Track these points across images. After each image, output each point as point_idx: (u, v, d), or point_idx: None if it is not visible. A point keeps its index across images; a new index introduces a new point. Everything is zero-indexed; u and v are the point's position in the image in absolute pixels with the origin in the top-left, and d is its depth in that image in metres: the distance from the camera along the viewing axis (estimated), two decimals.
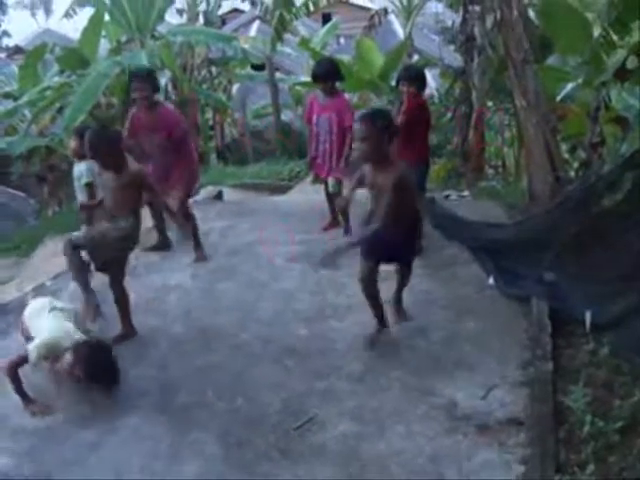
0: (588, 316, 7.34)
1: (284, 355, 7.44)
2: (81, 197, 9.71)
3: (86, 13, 21.00)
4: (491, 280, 8.67)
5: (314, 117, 10.52)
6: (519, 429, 6.05)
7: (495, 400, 6.49)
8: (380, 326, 7.67)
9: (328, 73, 10.33)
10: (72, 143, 9.70)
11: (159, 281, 9.45)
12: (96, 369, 6.56)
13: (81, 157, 9.50)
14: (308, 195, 13.23)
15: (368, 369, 7.07)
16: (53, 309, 7.10)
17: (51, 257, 11.08)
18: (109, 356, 6.75)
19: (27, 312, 7.31)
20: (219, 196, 13.82)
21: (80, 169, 9.67)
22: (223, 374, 7.15)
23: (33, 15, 79.04)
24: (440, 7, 20.29)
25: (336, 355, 7.38)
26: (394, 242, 7.26)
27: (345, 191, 8.33)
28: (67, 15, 23.32)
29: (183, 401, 6.78)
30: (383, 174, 7.10)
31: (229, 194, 14.07)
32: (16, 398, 6.70)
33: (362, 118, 7.32)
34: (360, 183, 7.46)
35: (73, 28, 28.18)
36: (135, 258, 9.93)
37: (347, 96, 11.15)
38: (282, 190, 12.06)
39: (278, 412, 6.48)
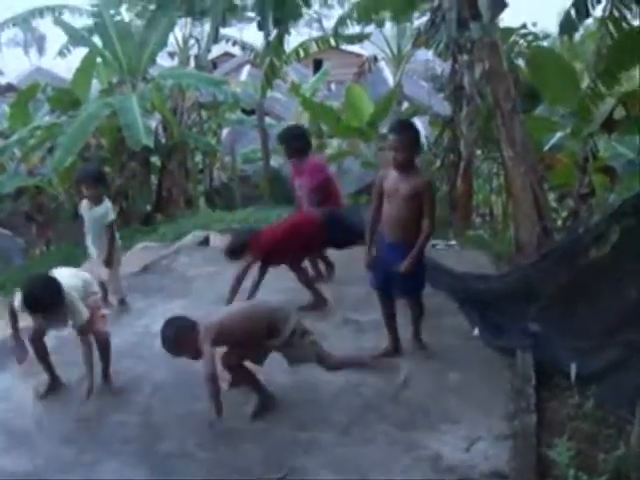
0: (573, 368, 7.33)
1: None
2: (96, 238, 9.93)
3: (79, 52, 21.11)
4: (476, 331, 8.67)
5: (295, 181, 10.96)
6: None
7: (479, 453, 6.45)
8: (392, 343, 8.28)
9: (289, 142, 10.70)
10: (90, 190, 9.77)
11: (144, 327, 9.41)
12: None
13: (98, 200, 9.79)
14: None
15: (352, 421, 7.03)
16: None
17: None
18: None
19: None
20: (206, 241, 13.79)
21: (106, 207, 9.88)
22: (205, 422, 7.10)
23: (26, 53, 79.30)
24: (430, 55, 20.37)
25: (320, 406, 7.34)
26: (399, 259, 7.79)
27: None
28: (60, 54, 23.42)
29: (165, 449, 6.73)
30: (410, 181, 7.67)
31: (216, 239, 14.01)
32: None
33: (401, 128, 7.86)
34: (380, 193, 7.92)
35: (66, 67, 28.30)
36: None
37: (316, 158, 11.30)
38: None
39: (260, 463, 6.44)
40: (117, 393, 7.85)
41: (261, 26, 17.97)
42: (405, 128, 7.90)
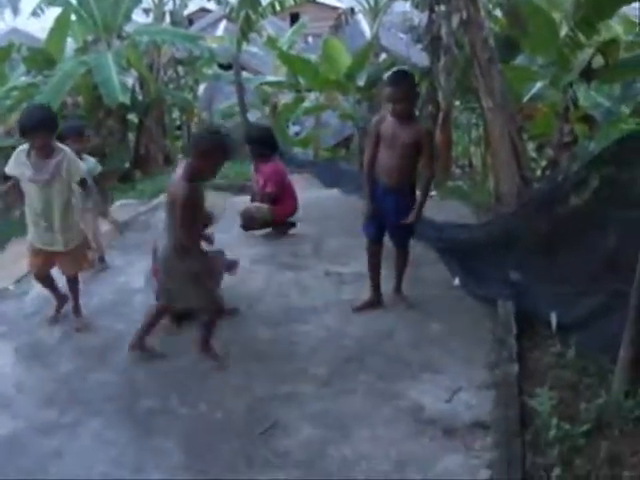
0: (554, 317, 7.32)
1: (248, 359, 7.36)
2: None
3: (53, 12, 20.89)
4: (457, 281, 8.67)
5: (254, 176, 11.54)
6: (485, 432, 6.01)
7: (461, 403, 6.45)
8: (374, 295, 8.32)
9: (256, 145, 11.00)
10: (73, 144, 9.49)
11: (123, 284, 9.36)
12: None
13: (79, 156, 9.41)
14: None
15: (333, 372, 7.02)
16: None
17: (17, 259, 10.95)
18: None
19: None
20: None
21: (91, 160, 9.98)
22: (186, 378, 7.07)
23: (0, 14, 78.52)
24: (407, 6, 20.22)
25: (300, 359, 7.32)
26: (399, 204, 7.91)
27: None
28: (34, 14, 23.18)
29: (146, 406, 6.69)
30: (410, 129, 7.69)
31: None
32: None
33: (398, 79, 7.82)
34: (377, 139, 7.89)
35: (40, 27, 28.00)
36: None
37: (279, 165, 11.35)
38: (248, 190, 11.99)
39: (242, 417, 6.41)
40: (85, 327, 8.07)
41: None
42: (403, 79, 7.87)
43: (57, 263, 8.20)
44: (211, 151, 6.65)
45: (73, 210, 8.11)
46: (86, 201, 9.60)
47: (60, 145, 7.96)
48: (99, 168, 9.90)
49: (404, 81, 7.80)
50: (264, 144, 10.97)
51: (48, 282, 8.39)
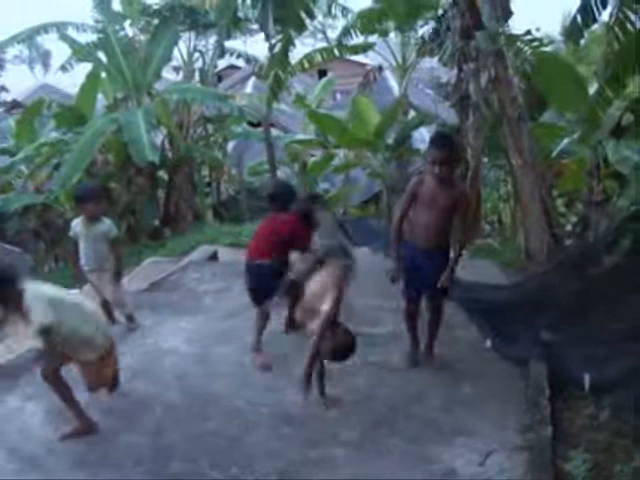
0: (587, 378, 7.26)
1: (279, 422, 7.31)
2: (97, 255, 9.72)
3: (84, 67, 21.13)
4: (488, 342, 8.61)
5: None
6: None
7: (494, 466, 6.39)
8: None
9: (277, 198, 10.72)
10: (87, 207, 9.57)
11: (153, 345, 9.35)
12: None
13: (96, 218, 9.62)
14: None
15: (364, 436, 6.96)
16: None
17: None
18: None
19: None
20: (214, 256, 13.75)
21: (107, 223, 9.77)
22: (217, 441, 7.03)
23: (31, 70, 79.37)
24: (435, 62, 20.32)
25: (332, 422, 7.27)
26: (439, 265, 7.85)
27: None
28: (63, 69, 23.49)
29: (177, 469, 6.65)
30: (449, 191, 7.75)
31: (225, 254, 14.00)
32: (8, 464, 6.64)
33: (444, 142, 7.95)
34: (413, 199, 7.90)
35: (71, 83, 28.32)
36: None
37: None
38: None
39: None
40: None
41: (267, 36, 18.00)
42: (448, 141, 8.00)
43: None
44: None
45: None
46: (105, 262, 9.73)
47: None
48: (115, 230, 9.89)
49: (448, 144, 7.90)
50: (287, 199, 10.83)
51: None
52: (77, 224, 9.73)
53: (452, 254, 7.95)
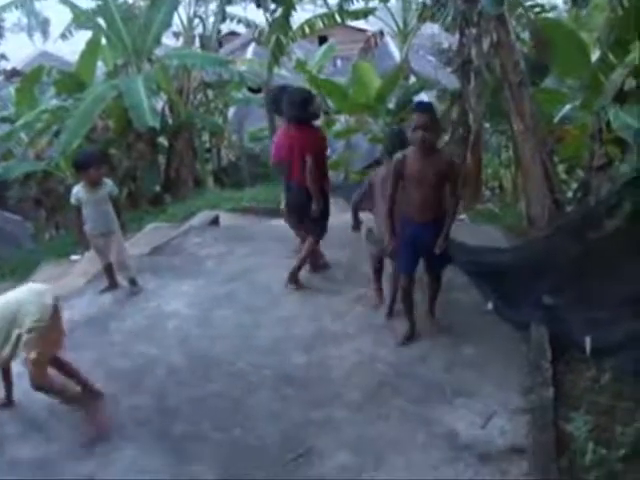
0: (588, 341, 7.27)
1: (282, 384, 7.36)
2: (103, 218, 9.76)
3: (83, 35, 21.00)
4: (490, 305, 8.61)
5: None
6: (521, 458, 5.98)
7: (496, 428, 6.42)
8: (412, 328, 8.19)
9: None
10: (88, 173, 9.58)
11: (155, 309, 9.36)
12: None
13: (98, 183, 9.67)
14: None
15: (367, 397, 7.00)
16: None
17: (48, 281, 10.99)
18: None
19: None
20: (215, 221, 13.73)
21: (109, 184, 9.87)
22: (220, 403, 7.07)
23: (30, 38, 79.00)
24: (436, 28, 20.23)
25: (334, 383, 7.31)
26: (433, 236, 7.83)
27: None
28: (63, 37, 23.37)
29: (180, 431, 6.69)
30: (436, 163, 7.67)
31: (226, 219, 13.97)
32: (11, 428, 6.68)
33: (428, 107, 8.00)
34: (399, 178, 7.81)
35: (70, 51, 28.18)
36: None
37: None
38: (279, 214, 11.96)
39: (276, 443, 6.40)
40: None
41: (259, 4, 17.88)
42: (429, 107, 8.03)
43: None
44: None
45: None
46: (112, 224, 9.77)
47: None
48: (116, 190, 9.97)
49: (430, 108, 7.90)
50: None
51: None
52: (79, 190, 9.73)
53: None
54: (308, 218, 9.62)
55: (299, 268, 9.69)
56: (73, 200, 9.75)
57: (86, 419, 6.75)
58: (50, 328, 6.52)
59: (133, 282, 10.00)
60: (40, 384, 6.51)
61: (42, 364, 6.50)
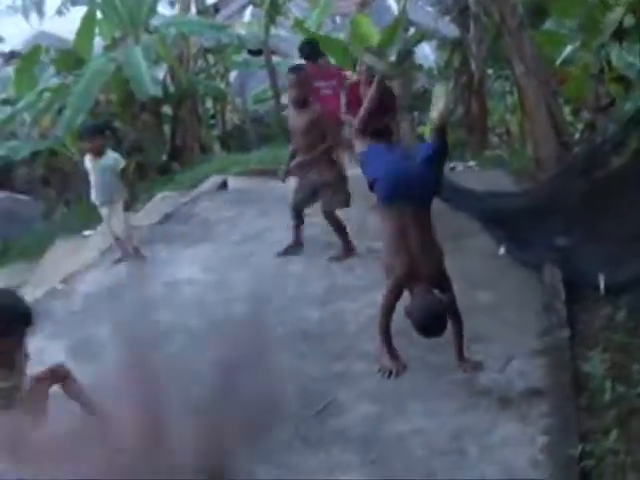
0: (602, 279, 7.28)
1: (298, 339, 7.40)
2: (106, 188, 9.85)
3: (79, 12, 20.91)
4: (502, 250, 8.60)
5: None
6: (540, 399, 6.00)
7: (514, 371, 6.45)
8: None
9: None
10: (89, 143, 9.94)
11: (170, 276, 9.39)
12: None
13: (101, 152, 9.85)
14: None
15: None
16: None
17: (62, 259, 11.05)
18: None
19: None
20: (224, 185, 13.74)
21: (113, 156, 10.03)
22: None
23: (26, 19, 78.70)
24: None
25: (350, 336, 7.34)
26: None
27: None
28: (59, 13, 23.28)
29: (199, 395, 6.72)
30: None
31: (234, 182, 13.98)
32: None
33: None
34: None
35: (67, 29, 28.09)
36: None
37: None
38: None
39: (296, 398, 6.42)
40: None
41: None
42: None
43: None
44: None
45: None
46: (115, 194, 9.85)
47: None
48: (122, 162, 10.06)
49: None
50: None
51: None
52: (87, 160, 10.06)
53: None
54: None
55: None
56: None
57: None
58: None
59: (137, 251, 10.07)
60: None
61: None
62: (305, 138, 8.87)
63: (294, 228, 9.53)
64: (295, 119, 8.99)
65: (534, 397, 6.06)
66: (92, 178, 9.99)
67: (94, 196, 10.03)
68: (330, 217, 9.20)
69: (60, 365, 5.75)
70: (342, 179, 9.26)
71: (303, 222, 9.57)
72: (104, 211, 10.01)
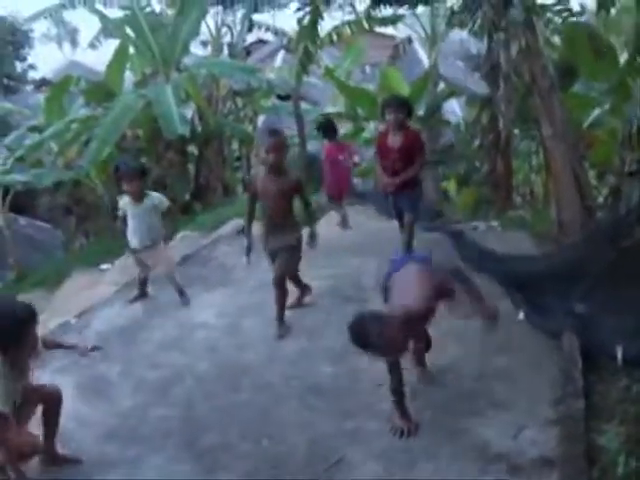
0: (620, 350, 7.20)
1: (310, 394, 7.34)
2: (148, 231, 9.86)
3: (112, 44, 21.10)
4: (521, 315, 8.53)
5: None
6: (551, 469, 5.90)
7: (527, 439, 6.34)
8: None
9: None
10: (128, 186, 9.66)
11: (185, 318, 9.38)
12: None
13: (141, 195, 9.73)
14: (334, 227, 13.12)
15: None
16: None
17: (78, 291, 11.05)
18: None
19: None
20: (244, 230, 13.72)
21: (157, 197, 9.99)
22: (248, 414, 7.05)
23: (60, 47, 79.46)
24: (464, 34, 20.16)
25: (363, 394, 7.26)
26: None
27: None
28: (92, 46, 23.51)
29: (208, 442, 6.68)
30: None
31: (255, 227, 13.96)
32: None
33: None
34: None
35: (99, 60, 28.35)
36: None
37: None
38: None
39: (305, 453, 6.37)
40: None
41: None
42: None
43: None
44: None
45: None
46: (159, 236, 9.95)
47: None
48: (166, 201, 10.04)
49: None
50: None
51: None
52: (125, 204, 9.80)
53: None
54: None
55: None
56: (120, 213, 9.88)
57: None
58: None
59: (182, 293, 10.04)
60: None
61: None
62: (279, 203, 8.87)
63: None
64: (269, 184, 8.76)
65: (545, 466, 5.96)
66: (131, 223, 9.76)
67: (135, 242, 9.85)
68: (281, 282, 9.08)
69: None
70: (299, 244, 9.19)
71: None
72: (143, 254, 9.94)
